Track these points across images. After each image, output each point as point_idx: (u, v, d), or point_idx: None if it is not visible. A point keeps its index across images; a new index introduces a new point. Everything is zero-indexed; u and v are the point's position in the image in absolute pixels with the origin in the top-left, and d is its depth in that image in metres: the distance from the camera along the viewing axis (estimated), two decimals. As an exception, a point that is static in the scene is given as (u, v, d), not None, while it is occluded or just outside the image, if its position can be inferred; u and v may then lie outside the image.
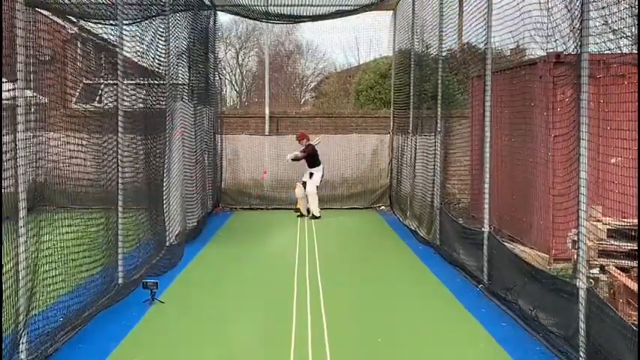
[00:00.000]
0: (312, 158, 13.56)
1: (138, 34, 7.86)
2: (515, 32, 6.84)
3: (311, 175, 13.53)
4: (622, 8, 4.44)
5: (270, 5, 14.09)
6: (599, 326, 4.60)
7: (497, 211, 7.94)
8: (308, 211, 13.61)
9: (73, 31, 6.79)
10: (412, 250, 9.97)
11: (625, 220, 6.07)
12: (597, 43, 4.78)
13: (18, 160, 4.64)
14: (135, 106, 7.85)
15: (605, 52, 5.00)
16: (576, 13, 4.93)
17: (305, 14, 14.50)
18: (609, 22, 4.62)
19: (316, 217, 13.21)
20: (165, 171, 8.88)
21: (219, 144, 14.68)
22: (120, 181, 7.08)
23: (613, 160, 5.33)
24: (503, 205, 8.71)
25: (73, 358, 5.26)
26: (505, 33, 7.09)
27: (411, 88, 12.14)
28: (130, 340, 5.68)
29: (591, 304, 4.73)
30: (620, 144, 5.16)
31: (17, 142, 4.63)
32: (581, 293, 4.82)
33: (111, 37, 6.97)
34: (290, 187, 14.79)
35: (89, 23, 6.93)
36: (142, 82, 8.28)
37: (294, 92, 28.02)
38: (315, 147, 13.57)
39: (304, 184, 13.54)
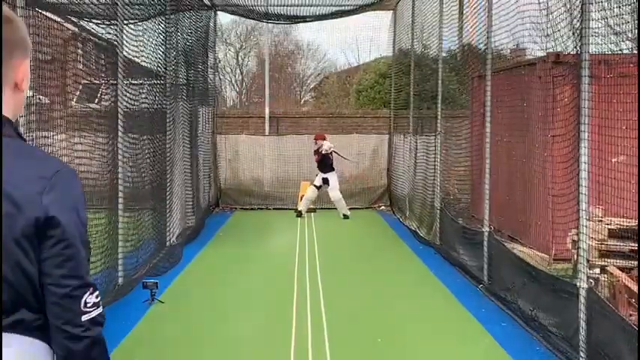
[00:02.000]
0: (325, 163, 13.49)
1: (138, 33, 7.86)
2: (515, 32, 6.85)
3: (326, 180, 13.47)
4: (624, 10, 4.44)
5: (270, 5, 14.09)
6: (600, 326, 4.60)
7: (496, 211, 7.94)
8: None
9: (73, 31, 6.78)
10: (412, 250, 9.96)
11: (626, 220, 6.07)
12: (598, 44, 4.78)
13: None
14: (135, 106, 7.85)
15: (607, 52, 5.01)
16: (576, 12, 4.93)
17: (305, 14, 14.50)
18: (611, 23, 4.62)
19: (347, 217, 13.36)
20: (168, 170, 8.88)
21: (217, 144, 14.69)
22: (120, 181, 7.08)
23: (614, 160, 5.33)
24: (503, 205, 8.71)
25: (73, 358, 5.25)
26: (504, 32, 7.10)
27: (411, 88, 12.15)
28: (130, 340, 5.68)
29: (592, 304, 4.73)
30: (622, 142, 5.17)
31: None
32: (582, 293, 4.82)
33: (111, 36, 6.97)
34: (291, 187, 14.82)
35: (89, 23, 6.92)
36: (142, 82, 8.28)
37: (294, 92, 28.03)
38: (326, 153, 13.48)
39: (318, 187, 13.53)
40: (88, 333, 1.56)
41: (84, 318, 1.55)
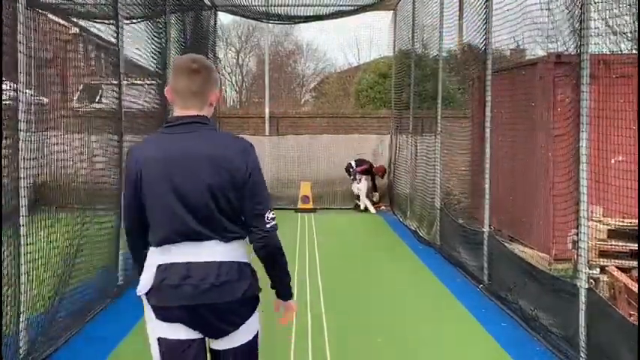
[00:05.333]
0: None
1: (138, 33, 7.86)
2: (516, 32, 6.85)
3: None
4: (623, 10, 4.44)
5: (271, 5, 14.09)
6: (600, 326, 4.60)
7: (497, 211, 7.93)
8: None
9: (74, 31, 6.78)
10: (412, 250, 9.97)
11: (626, 220, 6.07)
12: (598, 44, 4.79)
13: (20, 160, 4.64)
14: (136, 106, 7.85)
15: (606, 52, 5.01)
16: (576, 12, 4.93)
17: (305, 14, 14.50)
18: (611, 23, 4.63)
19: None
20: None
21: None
22: (122, 180, 7.08)
23: (612, 161, 5.33)
24: (503, 205, 8.70)
25: (72, 358, 5.26)
26: (505, 32, 7.10)
27: (412, 88, 12.14)
28: (130, 340, 5.68)
29: (592, 304, 4.73)
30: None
31: (19, 142, 4.64)
32: (582, 293, 4.82)
33: (111, 36, 6.97)
34: (291, 188, 14.85)
35: (90, 23, 6.92)
36: (142, 82, 8.27)
37: (294, 92, 28.03)
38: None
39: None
40: (272, 233, 2.81)
41: (267, 226, 2.80)
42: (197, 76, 2.81)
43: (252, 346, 2.96)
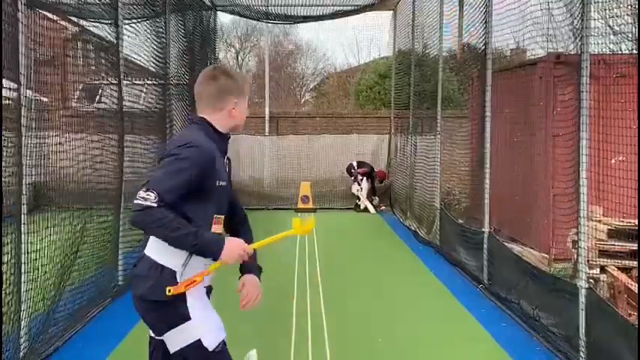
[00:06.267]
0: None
1: (138, 33, 7.86)
2: (516, 32, 6.86)
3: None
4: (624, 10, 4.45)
5: (270, 5, 14.09)
6: (600, 326, 4.60)
7: (496, 211, 7.93)
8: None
9: (73, 31, 6.78)
10: (412, 250, 9.96)
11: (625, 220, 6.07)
12: (599, 44, 4.79)
13: (22, 159, 4.64)
14: (135, 106, 7.84)
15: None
16: (576, 12, 4.93)
17: (305, 14, 14.50)
18: (611, 24, 4.63)
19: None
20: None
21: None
22: (122, 180, 7.07)
23: (613, 161, 5.33)
24: (503, 205, 8.70)
25: (73, 358, 5.26)
26: (505, 32, 7.10)
27: (411, 88, 12.15)
28: (130, 339, 5.67)
29: (592, 304, 4.74)
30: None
31: (20, 142, 4.63)
32: (582, 293, 4.82)
33: (111, 36, 6.97)
34: (290, 187, 14.85)
35: (89, 22, 6.92)
36: (142, 82, 8.27)
37: (294, 92, 28.04)
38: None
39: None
40: (135, 209, 2.64)
41: (134, 201, 2.64)
42: (213, 82, 2.97)
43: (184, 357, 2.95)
